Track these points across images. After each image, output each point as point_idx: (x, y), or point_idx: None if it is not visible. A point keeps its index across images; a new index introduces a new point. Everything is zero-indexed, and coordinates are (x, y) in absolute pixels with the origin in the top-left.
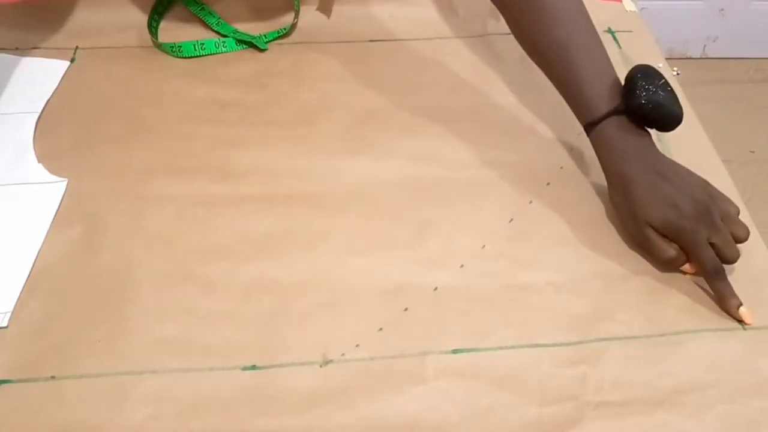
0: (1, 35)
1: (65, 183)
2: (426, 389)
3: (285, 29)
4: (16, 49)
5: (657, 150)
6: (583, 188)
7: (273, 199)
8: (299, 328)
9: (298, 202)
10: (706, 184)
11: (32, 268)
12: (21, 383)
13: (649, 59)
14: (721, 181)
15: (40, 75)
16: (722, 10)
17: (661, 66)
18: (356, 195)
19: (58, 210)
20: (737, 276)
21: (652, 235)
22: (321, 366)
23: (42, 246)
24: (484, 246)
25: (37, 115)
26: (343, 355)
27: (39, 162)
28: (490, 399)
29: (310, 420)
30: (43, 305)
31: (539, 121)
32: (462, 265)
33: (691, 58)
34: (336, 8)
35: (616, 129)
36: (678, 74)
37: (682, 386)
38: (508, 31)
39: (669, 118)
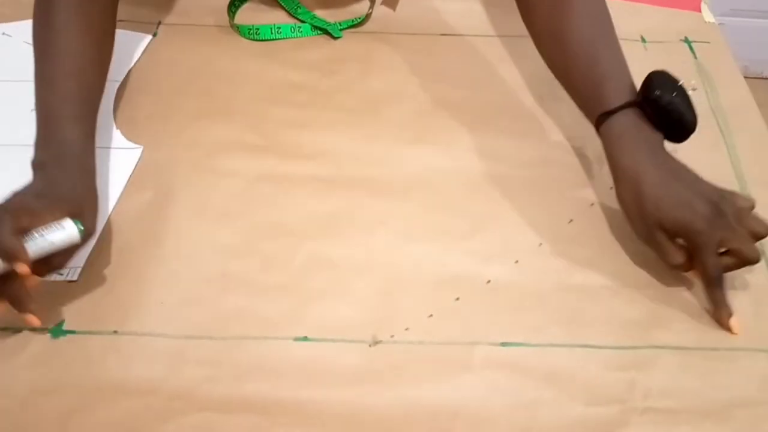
0: None
1: (141, 150)
2: (472, 378)
3: (360, 18)
4: None
5: (666, 151)
6: None
7: (336, 181)
8: (352, 306)
9: (360, 186)
10: (715, 187)
11: (104, 227)
12: (85, 335)
13: (726, 72)
14: None
15: (124, 46)
16: None
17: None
18: (416, 183)
19: (132, 175)
20: None
21: (662, 238)
22: (370, 345)
23: (114, 207)
24: (540, 244)
25: (117, 84)
26: (392, 336)
27: (117, 128)
28: (536, 394)
29: (356, 395)
30: (112, 263)
31: None
32: (517, 261)
33: (766, 79)
34: (412, 1)
35: (629, 122)
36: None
37: (733, 401)
38: None
39: (684, 119)
